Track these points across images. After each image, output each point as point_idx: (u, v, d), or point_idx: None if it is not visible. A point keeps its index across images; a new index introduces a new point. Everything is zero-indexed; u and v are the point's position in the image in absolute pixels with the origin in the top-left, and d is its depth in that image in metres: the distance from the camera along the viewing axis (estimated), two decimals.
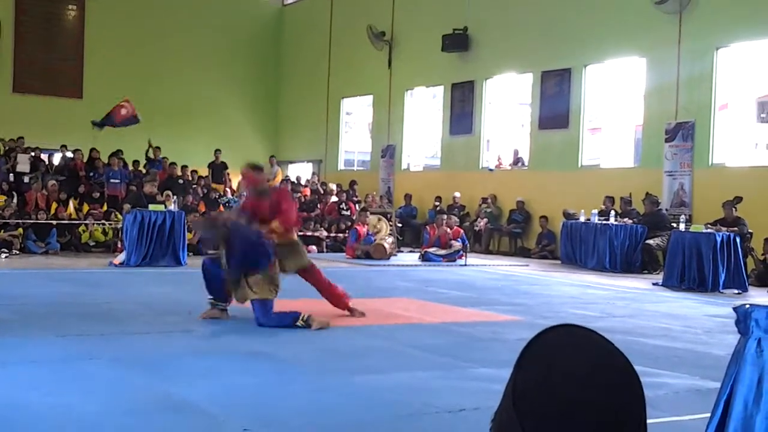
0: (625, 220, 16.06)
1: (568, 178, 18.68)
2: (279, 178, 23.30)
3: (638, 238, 15.73)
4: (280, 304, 8.08)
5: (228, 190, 20.94)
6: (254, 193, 8.59)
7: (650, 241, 15.61)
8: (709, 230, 13.30)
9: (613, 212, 16.27)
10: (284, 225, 8.21)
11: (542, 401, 1.09)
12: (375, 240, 16.96)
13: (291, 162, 27.09)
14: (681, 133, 16.54)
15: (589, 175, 18.44)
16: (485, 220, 19.89)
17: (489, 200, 20.26)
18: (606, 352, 1.14)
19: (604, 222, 16.03)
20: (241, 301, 8.07)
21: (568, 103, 18.90)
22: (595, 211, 16.43)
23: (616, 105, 18.98)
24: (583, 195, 17.71)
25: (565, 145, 18.94)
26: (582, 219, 16.61)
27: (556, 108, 19.13)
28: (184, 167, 20.69)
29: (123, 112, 18.50)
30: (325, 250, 17.91)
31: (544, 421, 1.08)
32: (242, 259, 7.92)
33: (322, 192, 21.45)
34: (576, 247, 16.52)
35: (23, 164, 18.19)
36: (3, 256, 14.96)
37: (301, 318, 7.88)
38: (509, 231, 19.69)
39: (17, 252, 15.47)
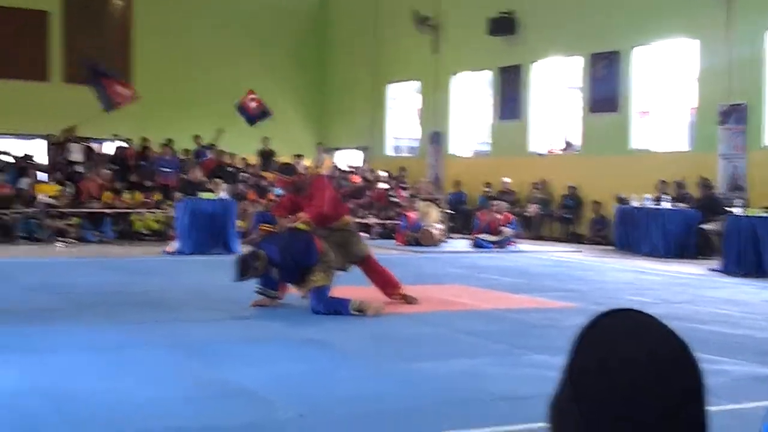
0: (679, 204, 15.79)
1: (619, 162, 18.41)
2: (327, 165, 23.31)
3: (693, 223, 15.44)
4: (334, 292, 8.08)
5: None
6: (291, 191, 8.64)
7: (705, 226, 15.32)
8: (766, 214, 13.00)
9: (667, 197, 16.00)
10: (311, 215, 8.22)
11: (600, 385, 1.07)
12: (424, 226, 16.90)
13: (338, 149, 27.10)
14: (734, 115, 16.21)
15: (640, 159, 18.16)
16: (536, 205, 19.71)
17: (539, 185, 20.07)
18: (664, 336, 1.12)
19: (658, 207, 15.77)
20: (302, 293, 8.09)
21: (617, 85, 18.62)
22: (648, 195, 16.17)
23: (667, 88, 18.62)
24: (634, 179, 17.44)
25: (615, 128, 18.66)
26: (635, 204, 16.36)
27: (605, 91, 18.85)
28: (233, 155, 20.80)
29: (253, 105, 19.02)
30: (374, 237, 17.89)
31: (602, 405, 1.06)
32: (292, 268, 7.95)
33: (370, 179, 21.43)
34: (630, 232, 16.27)
35: (76, 154, 18.42)
36: (59, 244, 15.19)
37: (354, 305, 7.87)
38: (560, 216, 19.48)
39: (73, 241, 15.70)
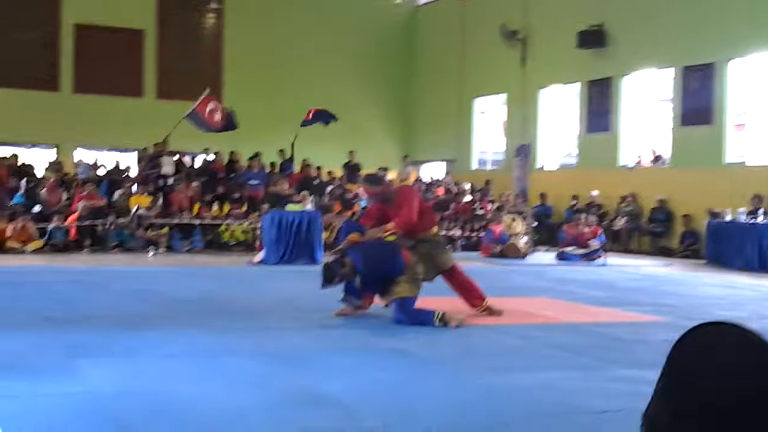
0: None
1: (711, 175, 17.97)
2: (412, 178, 23.37)
3: None
4: (418, 303, 8.07)
5: (362, 190, 21.14)
6: (378, 201, 8.66)
7: None
8: None
9: (762, 211, 15.53)
10: (398, 225, 8.22)
11: (697, 397, 1.03)
12: (510, 239, 16.77)
13: (424, 162, 27.14)
14: None
15: (734, 172, 17.69)
16: (625, 218, 19.37)
17: (628, 198, 19.72)
18: (763, 349, 1.07)
19: (753, 221, 15.32)
20: (386, 302, 8.11)
21: (711, 98, 18.21)
22: (743, 209, 15.73)
23: (762, 100, 18.11)
24: (727, 193, 17.00)
25: (708, 141, 18.24)
26: (728, 218, 15.93)
27: (698, 103, 18.45)
28: (319, 168, 21.03)
29: (217, 117, 18.07)
30: (459, 249, 17.84)
31: (700, 417, 1.01)
32: (376, 277, 7.98)
33: (455, 192, 21.38)
34: (722, 247, 15.84)
35: (167, 167, 18.87)
36: (150, 254, 15.58)
37: (438, 316, 7.85)
38: (650, 230, 19.11)
39: (163, 250, 16.08)
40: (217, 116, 18.05)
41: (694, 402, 1.04)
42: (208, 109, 17.99)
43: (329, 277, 8.04)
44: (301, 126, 19.20)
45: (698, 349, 1.09)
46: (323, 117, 19.11)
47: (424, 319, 7.86)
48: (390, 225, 8.23)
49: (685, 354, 1.09)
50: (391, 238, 8.21)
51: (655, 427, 1.09)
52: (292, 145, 20.06)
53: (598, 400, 5.19)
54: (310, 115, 19.11)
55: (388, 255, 8.01)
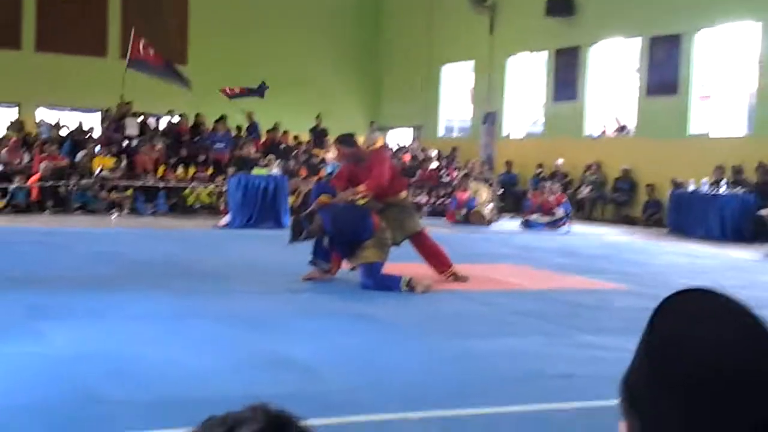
0: (737, 189, 15.49)
1: (675, 146, 18.11)
2: (379, 144, 23.30)
3: (750, 208, 15.15)
4: (385, 269, 8.08)
5: (329, 155, 21.07)
6: (350, 162, 8.63)
7: (763, 212, 15.01)
8: None
9: (724, 181, 15.71)
10: (370, 188, 8.21)
11: (680, 360, 1.02)
12: (475, 206, 16.82)
13: (391, 128, 27.07)
14: None
15: (698, 143, 17.84)
16: (589, 187, 19.50)
17: (593, 167, 19.84)
18: (749, 317, 1.06)
19: (715, 192, 15.49)
20: (352, 265, 8.10)
21: (677, 69, 18.28)
22: (705, 180, 15.89)
23: (728, 71, 18.23)
24: (691, 164, 17.15)
25: (673, 112, 18.35)
26: (691, 188, 16.10)
27: (664, 74, 18.53)
28: (285, 132, 20.90)
29: (151, 52, 17.98)
30: (424, 215, 17.85)
31: (684, 387, 1.01)
32: (344, 239, 7.97)
33: (421, 158, 21.37)
34: (684, 216, 16.02)
35: (132, 128, 18.65)
36: (113, 216, 15.43)
37: (404, 281, 7.86)
38: (613, 199, 19.26)
39: (127, 212, 15.93)
40: (151, 51, 17.99)
41: (678, 372, 1.03)
42: (141, 49, 17.88)
43: (297, 231, 8.03)
44: (230, 99, 18.97)
45: (682, 316, 1.08)
46: (254, 92, 18.86)
47: (390, 284, 7.88)
48: (361, 187, 8.21)
49: (667, 321, 1.08)
50: (361, 202, 8.20)
51: (635, 397, 1.08)
52: (249, 116, 19.94)
53: (562, 365, 5.24)
54: (236, 90, 18.82)
55: (357, 218, 8.00)
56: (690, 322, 1.06)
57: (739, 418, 1.00)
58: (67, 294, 6.98)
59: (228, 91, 18.65)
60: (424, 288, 7.88)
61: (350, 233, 7.92)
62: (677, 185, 16.66)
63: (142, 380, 4.50)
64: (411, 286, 7.83)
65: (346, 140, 8.79)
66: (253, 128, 20.33)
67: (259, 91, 18.68)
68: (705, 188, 15.74)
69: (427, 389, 4.63)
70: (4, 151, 16.92)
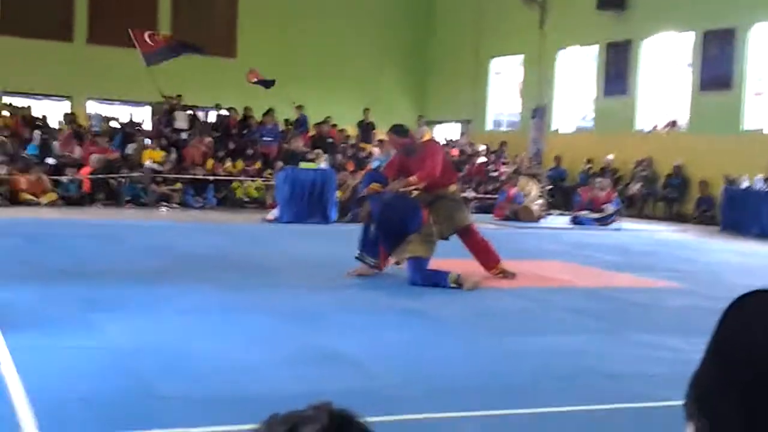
0: None
1: (729, 142, 17.80)
2: (426, 137, 23.25)
3: None
4: (432, 264, 8.04)
5: (376, 149, 21.08)
6: (402, 152, 8.60)
7: None
8: None
9: None
10: (421, 178, 8.17)
11: (750, 366, 1.00)
12: (524, 201, 16.70)
13: (439, 122, 26.98)
14: None
15: (752, 139, 17.51)
16: (640, 183, 19.24)
17: (644, 163, 19.58)
18: None
19: None
20: (397, 260, 8.08)
21: (731, 63, 17.97)
22: (760, 176, 15.59)
23: None
24: (745, 160, 16.83)
25: (726, 108, 18.04)
26: (745, 185, 15.80)
27: (718, 69, 18.23)
28: (334, 126, 20.93)
29: (158, 38, 18.65)
30: (472, 211, 17.77)
31: (753, 386, 0.99)
32: (391, 229, 7.93)
33: (469, 153, 21.26)
34: (738, 213, 15.73)
35: (181, 121, 18.81)
36: (163, 209, 15.59)
37: (452, 278, 7.81)
38: (665, 195, 18.99)
39: (176, 206, 16.09)
40: (157, 37, 18.43)
41: (743, 373, 1.01)
42: (148, 40, 18.16)
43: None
44: (255, 83, 19.11)
45: (749, 317, 1.06)
46: (264, 83, 18.98)
47: (438, 280, 7.83)
48: (413, 178, 8.18)
49: (734, 323, 1.07)
50: (414, 193, 8.17)
51: (702, 399, 1.07)
52: (298, 109, 19.96)
53: (615, 365, 5.17)
54: (254, 78, 18.98)
55: (408, 209, 7.96)
56: (757, 324, 1.04)
57: None
58: (119, 287, 7.06)
59: (250, 75, 18.74)
60: (473, 285, 7.82)
61: (398, 223, 7.87)
62: (730, 182, 16.38)
63: (195, 375, 4.52)
64: (459, 283, 7.78)
65: (398, 130, 8.76)
66: (301, 122, 20.39)
67: (267, 84, 18.77)
68: (759, 185, 15.44)
69: (474, 386, 4.59)
70: (57, 143, 17.19)
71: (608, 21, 20.60)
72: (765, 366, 1.01)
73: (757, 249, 13.26)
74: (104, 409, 3.90)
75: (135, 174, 16.32)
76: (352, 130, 21.69)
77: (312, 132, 20.22)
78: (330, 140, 19.80)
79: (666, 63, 20.28)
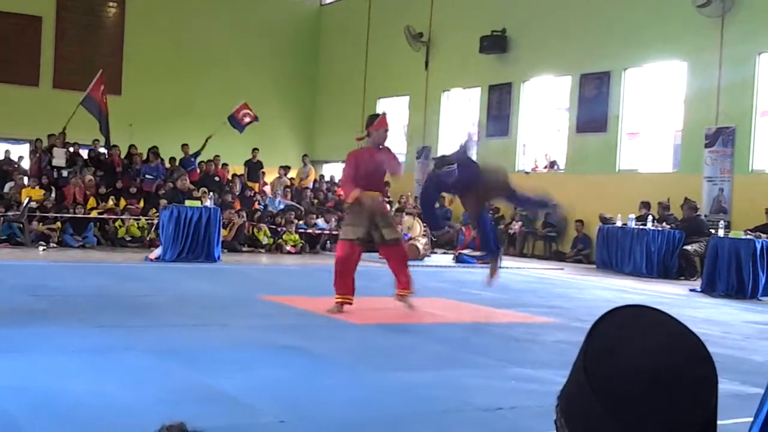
0: (663, 225, 15.87)
1: (605, 182, 18.50)
2: (311, 177, 23.39)
3: (676, 244, 15.53)
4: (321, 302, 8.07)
5: (264, 189, 21.03)
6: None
7: (688, 247, 15.42)
8: (748, 236, 13.10)
9: (650, 217, 16.09)
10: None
11: (615, 369, 1.07)
12: (409, 240, 16.90)
13: (325, 162, 27.12)
14: (721, 138, 16.32)
15: (626, 179, 18.25)
16: (520, 223, 19.77)
17: None
18: (678, 328, 1.13)
19: (642, 227, 15.85)
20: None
21: (606, 106, 18.73)
22: (633, 215, 16.26)
23: (655, 109, 18.74)
24: (620, 199, 17.53)
25: (602, 149, 18.76)
26: (619, 224, 16.45)
27: (594, 111, 18.96)
28: (225, 165, 20.80)
29: (247, 120, 19.84)
30: None
31: (617, 388, 1.06)
32: None
33: None
34: (612, 251, 16.35)
35: (59, 158, 18.32)
36: (41, 248, 15.11)
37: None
38: (544, 234, 19.55)
39: (55, 245, 15.63)
40: (105, 98, 18.62)
41: (612, 378, 1.08)
42: (101, 93, 18.22)
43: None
44: (239, 131, 19.81)
45: (615, 327, 1.14)
46: (236, 124, 19.60)
47: None
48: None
49: (602, 333, 1.14)
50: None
51: (570, 409, 1.13)
52: (206, 141, 19.86)
53: (493, 398, 5.30)
54: (245, 119, 19.73)
55: None
56: (623, 332, 1.11)
57: (673, 420, 1.05)
58: None
59: (244, 115, 19.71)
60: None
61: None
62: (605, 221, 16.99)
63: (68, 414, 4.42)
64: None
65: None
66: (190, 160, 20.09)
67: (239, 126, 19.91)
68: (632, 223, 16.08)
69: (355, 421, 4.64)
70: None
71: (490, 64, 21.22)
72: (631, 369, 1.08)
73: (631, 285, 13.80)
74: None
75: (11, 213, 15.79)
76: (238, 169, 21.58)
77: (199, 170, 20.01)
78: (217, 179, 19.64)
79: (545, 105, 20.99)
